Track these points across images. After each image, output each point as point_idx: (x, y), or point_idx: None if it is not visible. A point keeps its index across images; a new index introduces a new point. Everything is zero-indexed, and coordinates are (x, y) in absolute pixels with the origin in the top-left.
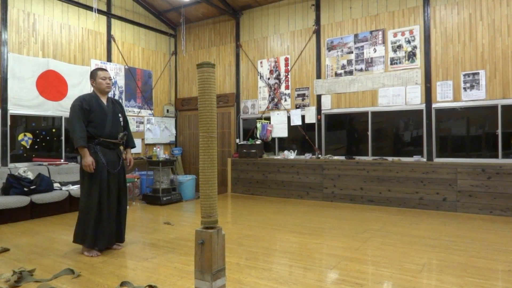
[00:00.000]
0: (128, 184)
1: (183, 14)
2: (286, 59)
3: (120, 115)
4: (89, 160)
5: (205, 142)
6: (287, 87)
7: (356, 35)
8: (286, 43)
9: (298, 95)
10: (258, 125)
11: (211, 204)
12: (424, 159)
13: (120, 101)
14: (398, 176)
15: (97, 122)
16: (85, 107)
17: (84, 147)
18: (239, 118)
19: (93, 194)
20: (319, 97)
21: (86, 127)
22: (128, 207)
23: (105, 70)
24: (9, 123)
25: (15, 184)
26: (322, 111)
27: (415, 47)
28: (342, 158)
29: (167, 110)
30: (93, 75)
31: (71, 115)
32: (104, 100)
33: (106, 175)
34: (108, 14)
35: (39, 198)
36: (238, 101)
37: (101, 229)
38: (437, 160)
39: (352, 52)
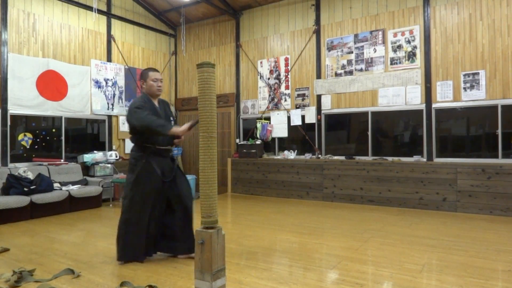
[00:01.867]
0: None
1: (183, 14)
2: (286, 59)
3: (171, 118)
4: (184, 126)
5: (205, 142)
6: (287, 87)
7: (356, 35)
8: (286, 43)
9: (298, 95)
10: (258, 125)
11: (211, 204)
12: (424, 159)
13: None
14: (398, 176)
15: None
16: (147, 107)
17: (171, 128)
18: (239, 118)
19: (142, 207)
20: (319, 97)
21: (141, 134)
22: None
23: (157, 71)
24: (9, 123)
25: (15, 184)
26: (322, 111)
27: (415, 47)
28: (342, 158)
29: None
30: (144, 75)
31: (134, 117)
32: (156, 103)
33: (160, 187)
34: (108, 14)
35: (39, 198)
36: (238, 101)
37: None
38: (437, 160)
39: (352, 52)
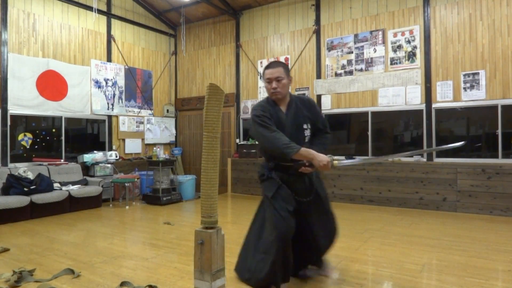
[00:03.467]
0: (127, 184)
1: (183, 14)
2: (286, 59)
3: (306, 125)
4: (323, 158)
5: (209, 142)
6: None
7: (356, 35)
8: (286, 43)
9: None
10: None
11: (211, 205)
12: (424, 159)
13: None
14: (398, 176)
15: None
16: (267, 115)
17: (299, 149)
18: (239, 118)
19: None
20: (319, 97)
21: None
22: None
23: (272, 66)
24: (9, 123)
25: (15, 184)
26: (322, 111)
27: (415, 47)
28: (342, 158)
29: (167, 110)
30: (263, 75)
31: (257, 131)
32: (283, 107)
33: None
34: (108, 14)
35: (39, 198)
36: (238, 101)
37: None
38: (437, 160)
39: (352, 52)
